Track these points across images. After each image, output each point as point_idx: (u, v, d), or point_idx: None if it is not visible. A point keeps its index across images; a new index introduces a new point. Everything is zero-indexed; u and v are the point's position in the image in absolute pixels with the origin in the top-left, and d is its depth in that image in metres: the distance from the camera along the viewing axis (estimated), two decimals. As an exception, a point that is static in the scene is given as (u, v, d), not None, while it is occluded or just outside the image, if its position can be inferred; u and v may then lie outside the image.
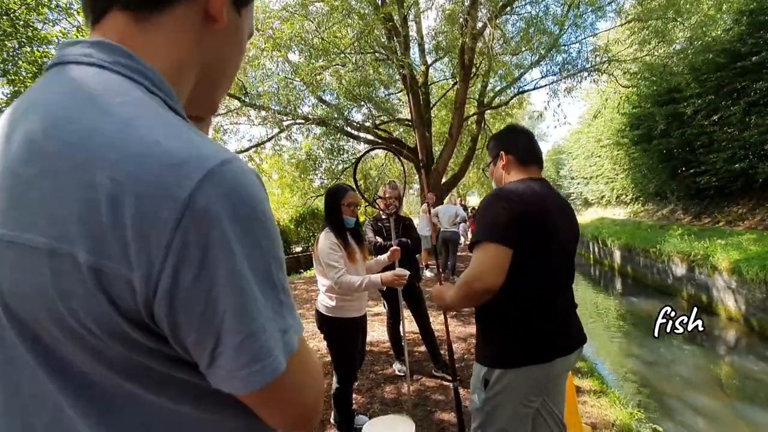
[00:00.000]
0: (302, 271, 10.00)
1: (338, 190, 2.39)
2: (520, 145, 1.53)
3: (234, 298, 0.38)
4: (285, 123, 10.64)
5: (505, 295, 1.31)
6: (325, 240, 2.27)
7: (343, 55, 8.89)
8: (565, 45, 10.28)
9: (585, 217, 19.09)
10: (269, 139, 11.02)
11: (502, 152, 1.54)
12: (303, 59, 9.17)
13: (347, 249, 2.30)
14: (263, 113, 10.36)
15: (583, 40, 10.75)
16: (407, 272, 2.33)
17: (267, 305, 0.40)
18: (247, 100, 10.09)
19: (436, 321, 4.19)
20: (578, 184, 22.30)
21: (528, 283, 1.35)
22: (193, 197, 0.36)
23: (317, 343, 4.09)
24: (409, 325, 3.79)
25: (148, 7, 0.44)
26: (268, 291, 0.41)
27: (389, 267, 2.62)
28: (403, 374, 3.36)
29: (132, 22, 0.44)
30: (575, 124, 21.34)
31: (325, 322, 2.35)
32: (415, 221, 5.49)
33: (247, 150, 10.98)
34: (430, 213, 4.31)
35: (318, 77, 9.09)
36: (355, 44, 8.82)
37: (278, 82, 9.99)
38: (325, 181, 11.92)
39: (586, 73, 10.36)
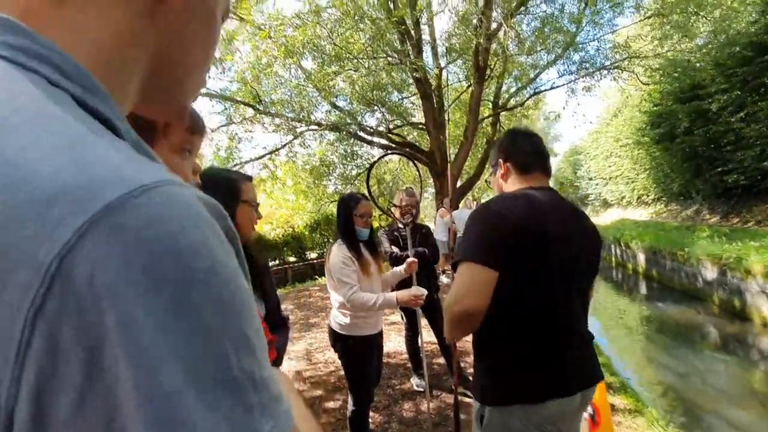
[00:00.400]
0: (317, 277, 9.95)
1: (350, 200, 2.28)
2: (520, 150, 1.37)
3: (153, 427, 0.21)
4: (298, 130, 10.62)
5: (495, 323, 1.17)
6: (338, 253, 2.17)
7: (355, 60, 8.86)
8: (582, 43, 10.03)
9: (604, 218, 18.62)
10: (283, 146, 11.03)
11: (500, 160, 1.39)
12: (316, 66, 9.17)
13: (361, 262, 2.19)
14: (277, 120, 10.37)
15: (602, 38, 10.47)
16: (424, 291, 2.19)
17: (219, 421, 0.23)
18: (260, 108, 10.13)
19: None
20: (597, 184, 21.80)
21: (519, 311, 1.19)
22: (66, 259, 0.21)
23: (332, 355, 3.98)
24: (427, 334, 3.66)
25: None
26: (221, 397, 0.23)
27: (407, 279, 2.50)
28: (422, 390, 3.22)
29: (53, 3, 0.31)
30: (593, 124, 20.88)
31: (338, 340, 2.24)
32: (431, 226, 5.37)
33: (261, 157, 11.02)
34: (451, 215, 4.18)
35: (331, 83, 9.08)
36: (368, 49, 8.78)
37: (291, 89, 10.02)
38: (339, 187, 11.88)
39: (605, 71, 10.08)
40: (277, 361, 1.29)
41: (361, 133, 10.81)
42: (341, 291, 2.10)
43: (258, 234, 10.59)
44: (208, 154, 10.48)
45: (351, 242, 2.20)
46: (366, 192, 2.49)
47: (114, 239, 0.22)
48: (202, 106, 15.87)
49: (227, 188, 1.25)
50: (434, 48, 10.70)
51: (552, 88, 11.45)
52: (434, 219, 9.03)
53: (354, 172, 11.73)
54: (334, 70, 8.79)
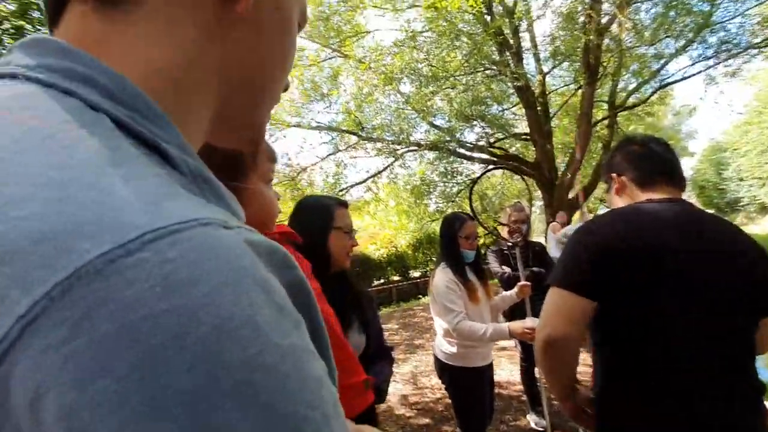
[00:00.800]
0: (420, 296, 9.89)
1: (454, 220, 2.17)
2: (634, 159, 1.13)
3: None
4: (399, 151, 10.89)
5: (603, 362, 1.02)
6: (442, 277, 2.06)
7: (452, 78, 8.84)
8: (720, 22, 8.54)
9: (764, 226, 15.26)
10: (384, 169, 11.39)
11: (614, 174, 1.15)
12: (414, 88, 9.37)
13: (467, 287, 2.05)
14: (378, 145, 10.78)
15: (746, 12, 8.78)
16: None
17: None
18: (363, 134, 10.65)
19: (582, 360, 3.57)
20: (750, 186, 18.17)
21: (627, 348, 0.97)
22: (24, 332, 0.14)
23: (436, 380, 3.83)
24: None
25: None
26: None
27: (519, 304, 2.28)
28: (541, 430, 2.88)
29: (97, 13, 0.28)
30: (742, 114, 17.56)
31: (445, 370, 2.11)
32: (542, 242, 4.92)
33: (364, 181, 11.51)
34: (563, 230, 3.77)
35: (428, 103, 9.17)
36: (465, 65, 8.69)
37: (391, 113, 10.37)
38: (440, 205, 11.78)
39: (753, 51, 8.41)
40: (379, 398, 1.22)
41: (461, 150, 10.65)
42: (446, 318, 1.98)
43: (364, 255, 10.99)
44: (318, 181, 11.29)
45: (456, 265, 2.08)
46: (470, 211, 2.35)
47: (81, 332, 0.14)
48: (312, 137, 17.29)
49: (320, 215, 1.25)
50: (536, 54, 10.14)
51: (683, 78, 9.89)
52: (544, 235, 8.34)
53: (455, 190, 11.56)
54: (431, 90, 8.87)
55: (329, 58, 10.83)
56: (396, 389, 4.08)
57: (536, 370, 2.53)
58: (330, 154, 11.24)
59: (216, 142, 0.40)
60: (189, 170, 0.26)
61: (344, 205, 1.33)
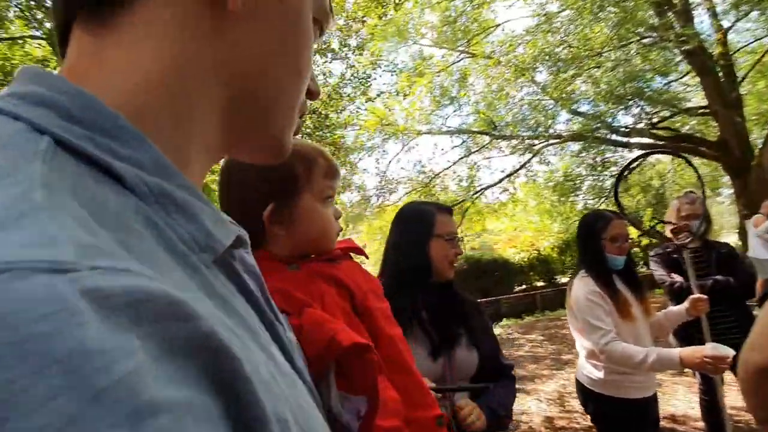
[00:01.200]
0: (572, 305, 8.90)
1: (596, 219, 1.84)
2: None
3: None
4: (536, 147, 10.10)
5: None
6: (582, 287, 1.74)
7: (598, 56, 7.78)
8: None
9: None
10: (521, 167, 10.67)
11: None
12: (550, 76, 8.58)
13: (616, 300, 1.69)
14: (513, 142, 10.21)
15: None
16: (729, 353, 1.46)
17: None
18: (495, 133, 10.22)
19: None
20: None
21: None
22: None
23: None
24: (733, 393, 2.54)
25: (102, 4, 0.27)
26: None
27: (694, 322, 1.80)
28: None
29: (89, 33, 0.28)
30: None
31: (589, 399, 1.77)
32: (729, 240, 3.83)
33: (500, 181, 10.97)
34: None
35: (568, 89, 8.25)
36: (613, 39, 7.55)
37: (525, 106, 9.70)
38: (590, 202, 10.45)
39: None
40: (498, 425, 1.06)
41: (614, 136, 9.28)
42: (591, 337, 1.66)
43: (503, 259, 10.44)
44: (452, 185, 11.21)
45: (599, 274, 1.74)
46: (620, 208, 1.96)
47: None
48: (443, 142, 17.42)
49: (419, 221, 1.19)
50: (711, 8, 8.20)
51: None
52: (737, 231, 6.59)
53: (607, 183, 10.12)
54: (571, 74, 7.96)
55: (457, 61, 10.72)
56: (539, 409, 3.69)
57: (723, 400, 1.95)
58: (462, 157, 11.06)
59: (239, 155, 0.39)
60: (149, 190, 0.24)
61: (447, 211, 1.25)
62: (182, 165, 0.29)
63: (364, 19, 6.93)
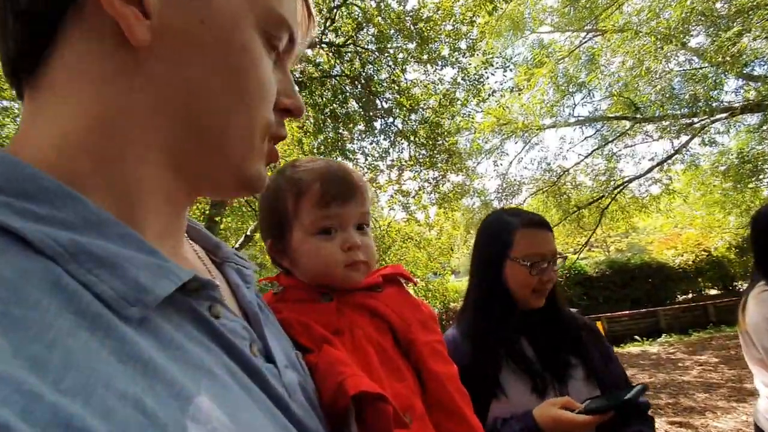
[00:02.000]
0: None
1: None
2: None
3: None
4: (696, 125, 8.38)
5: None
6: (762, 307, 1.34)
7: (772, 3, 6.15)
8: None
9: None
10: (677, 151, 8.97)
11: None
12: (707, 38, 7.09)
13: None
14: (664, 123, 8.67)
15: None
16: None
17: None
18: (638, 116, 8.83)
19: None
20: None
21: None
22: None
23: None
24: None
25: (20, 68, 0.29)
26: None
27: None
28: None
29: (28, 98, 0.30)
30: None
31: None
32: None
33: (648, 171, 9.40)
34: None
35: (734, 49, 6.66)
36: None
37: (675, 78, 8.16)
38: (782, 187, 8.23)
39: None
40: None
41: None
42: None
43: (658, 263, 8.88)
44: (586, 180, 10.03)
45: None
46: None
47: None
48: (571, 135, 15.72)
49: (494, 238, 1.02)
50: None
51: None
52: None
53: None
54: (736, 31, 6.43)
55: (584, 43, 9.63)
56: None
57: None
58: (597, 149, 9.83)
59: (208, 194, 0.37)
60: (64, 250, 0.24)
61: (537, 225, 1.00)
62: (133, 214, 0.29)
63: (474, 19, 6.73)
